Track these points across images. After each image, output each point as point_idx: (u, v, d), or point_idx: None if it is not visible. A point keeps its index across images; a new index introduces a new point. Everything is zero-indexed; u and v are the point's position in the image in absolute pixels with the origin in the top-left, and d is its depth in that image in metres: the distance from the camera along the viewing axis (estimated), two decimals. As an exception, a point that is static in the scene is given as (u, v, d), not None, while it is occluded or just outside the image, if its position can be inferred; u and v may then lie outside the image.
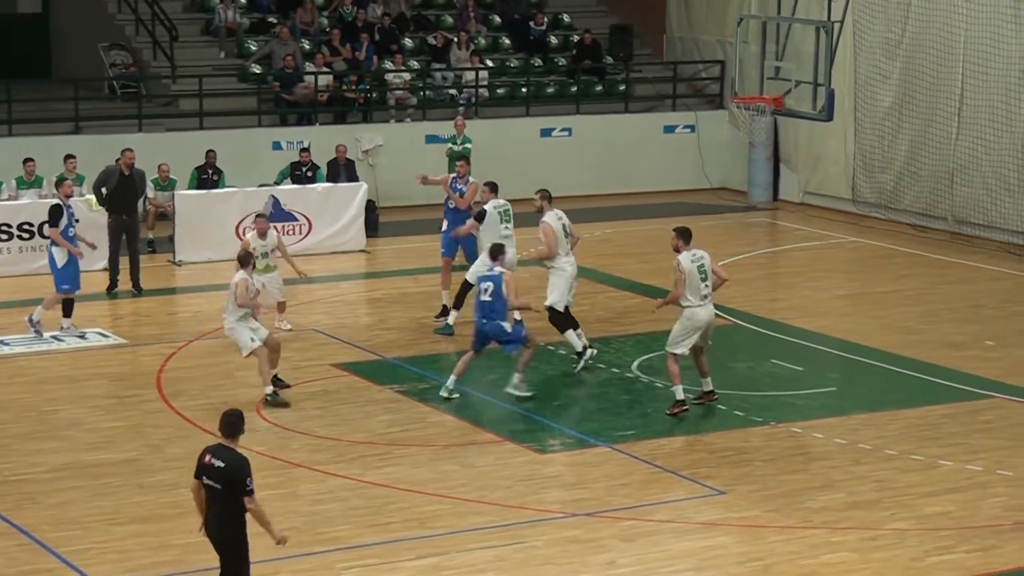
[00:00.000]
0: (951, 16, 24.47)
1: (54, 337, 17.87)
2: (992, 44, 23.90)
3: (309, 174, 23.73)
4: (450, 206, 19.23)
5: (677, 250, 15.07)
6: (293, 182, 23.60)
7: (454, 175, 19.54)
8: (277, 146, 25.56)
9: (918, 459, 14.16)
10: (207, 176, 23.13)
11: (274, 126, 26.39)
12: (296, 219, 22.75)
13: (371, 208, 23.86)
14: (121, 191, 19.98)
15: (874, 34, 25.76)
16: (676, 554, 11.95)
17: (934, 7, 24.76)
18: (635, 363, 16.99)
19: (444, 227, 19.24)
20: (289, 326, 18.22)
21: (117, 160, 20.34)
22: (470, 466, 13.85)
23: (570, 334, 16.74)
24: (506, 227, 17.82)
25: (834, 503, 13.03)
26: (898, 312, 19.84)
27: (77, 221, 18.50)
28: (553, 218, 16.91)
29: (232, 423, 10.07)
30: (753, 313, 19.43)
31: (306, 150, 24.08)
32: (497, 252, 15.83)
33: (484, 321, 15.47)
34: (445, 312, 18.77)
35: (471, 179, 19.29)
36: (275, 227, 22.03)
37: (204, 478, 9.95)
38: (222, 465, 9.87)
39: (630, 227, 24.85)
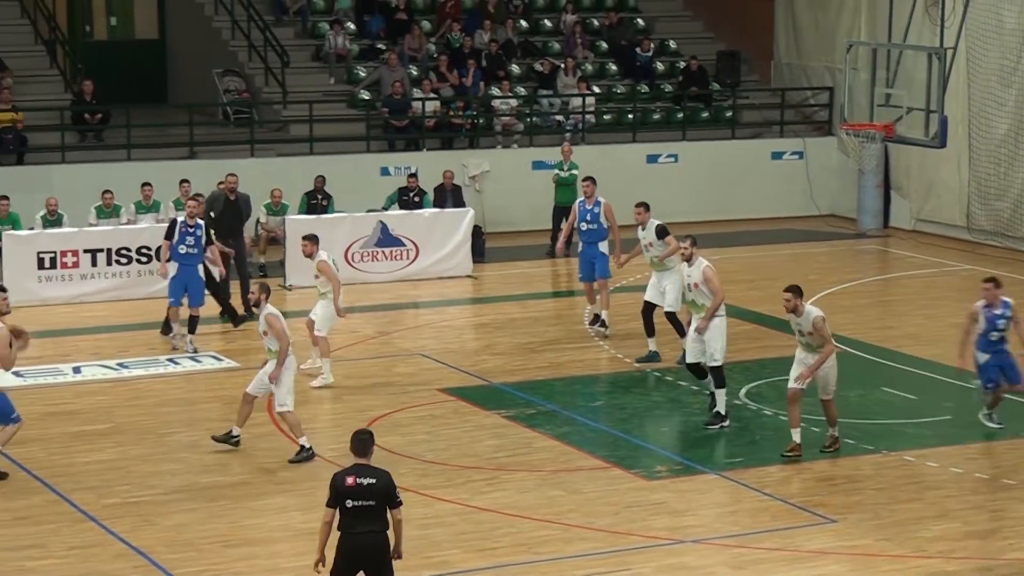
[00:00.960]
0: (1069, 42, 24.06)
1: (170, 360, 18.19)
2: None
3: (416, 199, 23.90)
4: (582, 228, 19.30)
5: (796, 310, 14.52)
6: (400, 207, 23.79)
7: (581, 199, 19.51)
8: (385, 172, 25.78)
9: (1037, 489, 13.90)
10: (316, 201, 23.38)
11: (382, 152, 26.63)
12: (403, 244, 22.92)
13: (477, 234, 23.97)
14: (227, 216, 20.17)
15: (988, 61, 25.36)
16: (786, 583, 11.84)
17: (1051, 33, 24.38)
18: (743, 390, 16.86)
19: (580, 249, 19.48)
20: (318, 383, 16.86)
21: (220, 184, 20.62)
22: (577, 492, 13.82)
23: (722, 394, 15.74)
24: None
25: (950, 532, 12.81)
26: (1016, 341, 19.42)
27: (210, 243, 18.90)
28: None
29: (365, 441, 10.24)
30: (863, 340, 19.17)
31: (414, 175, 24.26)
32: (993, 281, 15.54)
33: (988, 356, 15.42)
34: (596, 319, 19.32)
35: (600, 199, 19.26)
36: (382, 251, 22.57)
37: (349, 501, 10.00)
38: (374, 481, 10.04)
39: (737, 254, 24.69)
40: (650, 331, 18.10)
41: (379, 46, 28.50)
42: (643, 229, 18.11)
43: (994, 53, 25.25)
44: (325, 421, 15.97)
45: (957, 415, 16.29)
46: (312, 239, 17.10)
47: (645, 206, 18.23)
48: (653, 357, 18.10)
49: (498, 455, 14.85)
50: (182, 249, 18.45)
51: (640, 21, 31.09)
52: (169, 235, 18.57)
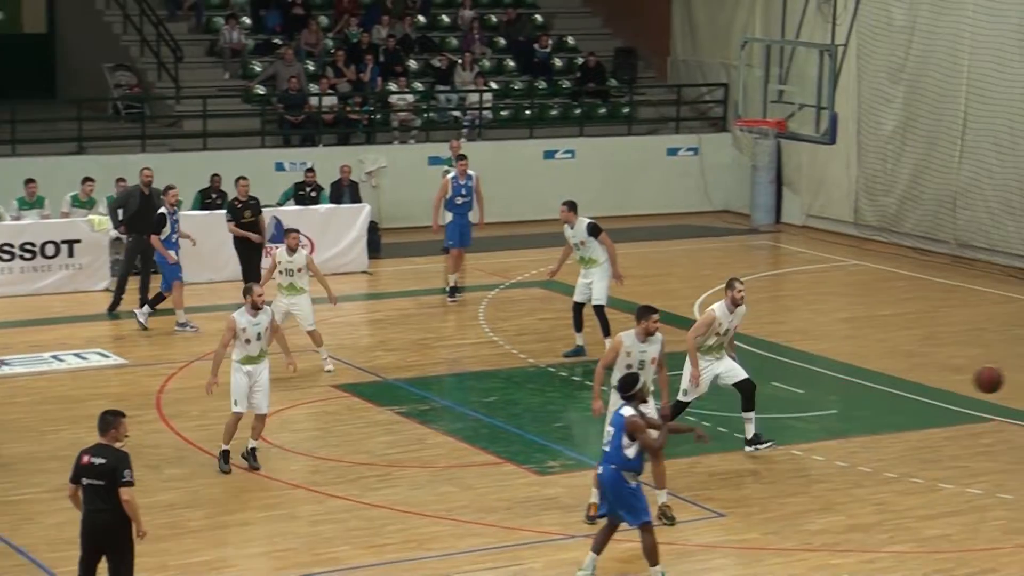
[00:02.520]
0: (955, 40, 24.50)
1: (54, 357, 17.93)
2: (997, 67, 23.93)
3: (313, 194, 23.75)
4: (457, 202, 20.90)
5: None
6: (297, 203, 23.62)
7: (453, 174, 21.08)
8: (280, 167, 25.58)
9: (918, 482, 14.14)
10: (211, 200, 23.11)
11: (277, 147, 26.42)
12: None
13: (373, 229, 23.89)
14: (142, 211, 19.86)
15: (878, 58, 25.79)
16: (674, 576, 11.93)
17: (938, 31, 24.80)
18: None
19: (448, 220, 20.94)
20: (331, 367, 17.50)
21: (123, 183, 20.42)
22: (469, 487, 13.84)
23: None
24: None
25: (834, 526, 13.00)
26: (900, 335, 19.81)
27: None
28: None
29: (106, 420, 10.53)
30: (754, 336, 19.35)
31: (311, 171, 24.08)
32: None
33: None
34: (455, 292, 21.02)
35: (472, 173, 20.95)
36: (276, 247, 22.27)
37: (84, 479, 10.30)
38: (103, 462, 10.30)
39: (633, 249, 24.78)
40: (579, 326, 18.12)
41: (275, 41, 28.29)
42: (571, 228, 17.94)
43: (883, 50, 25.68)
44: (215, 417, 15.77)
45: (843, 409, 16.55)
46: (296, 232, 17.59)
47: (570, 205, 17.98)
48: (579, 351, 18.12)
49: (390, 451, 14.83)
50: (174, 237, 19.20)
51: (538, 17, 31.16)
52: (158, 229, 19.01)
